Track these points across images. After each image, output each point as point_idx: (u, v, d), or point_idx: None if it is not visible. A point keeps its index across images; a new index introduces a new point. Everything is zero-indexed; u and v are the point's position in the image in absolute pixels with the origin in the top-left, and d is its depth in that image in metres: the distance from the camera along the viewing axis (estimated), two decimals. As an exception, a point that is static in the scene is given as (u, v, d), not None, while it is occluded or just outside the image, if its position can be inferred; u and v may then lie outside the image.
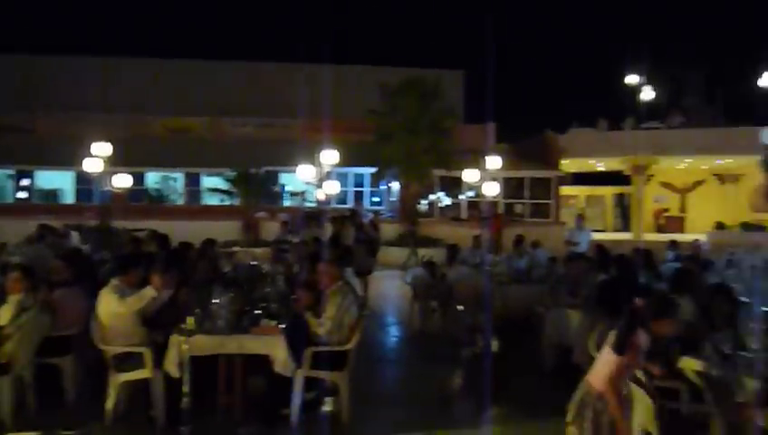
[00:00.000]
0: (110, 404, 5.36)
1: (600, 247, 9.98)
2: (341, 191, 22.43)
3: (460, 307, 8.54)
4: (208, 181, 24.64)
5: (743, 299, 7.20)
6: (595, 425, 3.78)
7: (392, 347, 9.41)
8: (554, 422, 5.70)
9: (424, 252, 15.75)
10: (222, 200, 22.18)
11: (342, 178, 23.18)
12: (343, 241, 11.94)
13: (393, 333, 10.16)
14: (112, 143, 15.66)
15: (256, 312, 5.89)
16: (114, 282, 5.68)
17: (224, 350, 5.41)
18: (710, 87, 26.26)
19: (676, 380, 4.79)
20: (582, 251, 12.46)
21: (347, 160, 18.01)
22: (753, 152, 20.64)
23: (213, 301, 5.59)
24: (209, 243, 9.33)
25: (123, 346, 5.43)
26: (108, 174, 16.71)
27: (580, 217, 18.13)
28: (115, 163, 16.34)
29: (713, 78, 26.37)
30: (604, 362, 3.84)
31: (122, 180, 17.31)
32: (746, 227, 23.51)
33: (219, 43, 43.00)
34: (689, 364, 4.79)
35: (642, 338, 3.78)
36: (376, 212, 22.54)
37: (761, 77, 25.22)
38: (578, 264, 8.17)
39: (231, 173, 19.57)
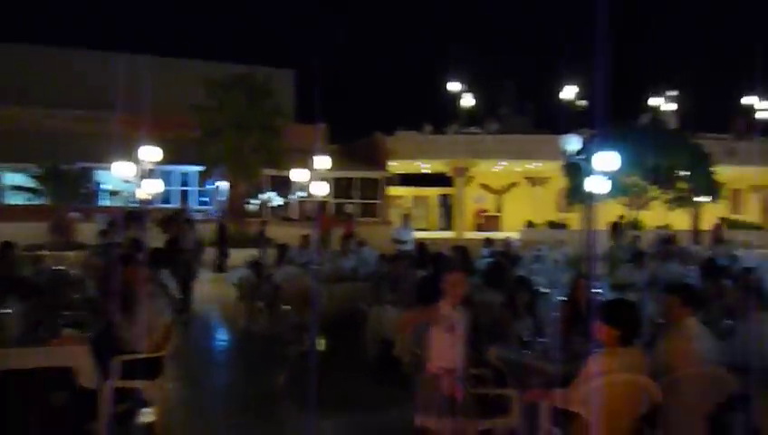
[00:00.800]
0: None
1: (420, 245, 10.49)
2: (166, 190, 21.27)
3: (286, 307, 8.53)
4: (11, 178, 22.21)
5: (544, 290, 7.94)
6: (439, 405, 3.96)
7: (217, 349, 9.16)
8: (377, 414, 5.90)
9: (254, 253, 15.42)
10: (28, 199, 20.14)
11: (167, 177, 21.99)
12: (183, 244, 11.31)
13: (218, 335, 9.90)
14: None
15: (59, 320, 5.41)
16: None
17: (16, 364, 4.88)
18: (521, 98, 28.68)
19: (483, 366, 5.11)
20: (409, 249, 12.99)
21: (171, 157, 17.16)
22: (558, 158, 22.77)
23: (4, 310, 5.03)
24: (6, 246, 8.39)
25: None
26: None
27: (407, 217, 18.90)
28: None
29: (524, 90, 28.80)
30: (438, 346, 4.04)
31: None
32: (552, 225, 26.04)
33: (25, 25, 38.84)
34: (495, 351, 5.14)
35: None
36: (223, 214, 21.61)
37: (562, 91, 28.12)
38: (401, 262, 8.53)
39: (38, 169, 17.85)
